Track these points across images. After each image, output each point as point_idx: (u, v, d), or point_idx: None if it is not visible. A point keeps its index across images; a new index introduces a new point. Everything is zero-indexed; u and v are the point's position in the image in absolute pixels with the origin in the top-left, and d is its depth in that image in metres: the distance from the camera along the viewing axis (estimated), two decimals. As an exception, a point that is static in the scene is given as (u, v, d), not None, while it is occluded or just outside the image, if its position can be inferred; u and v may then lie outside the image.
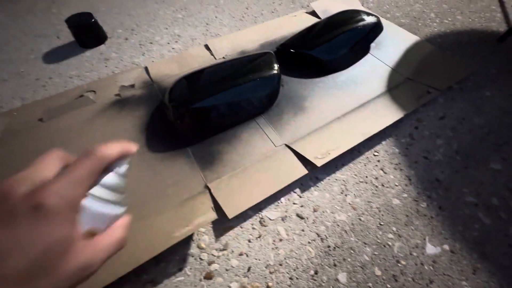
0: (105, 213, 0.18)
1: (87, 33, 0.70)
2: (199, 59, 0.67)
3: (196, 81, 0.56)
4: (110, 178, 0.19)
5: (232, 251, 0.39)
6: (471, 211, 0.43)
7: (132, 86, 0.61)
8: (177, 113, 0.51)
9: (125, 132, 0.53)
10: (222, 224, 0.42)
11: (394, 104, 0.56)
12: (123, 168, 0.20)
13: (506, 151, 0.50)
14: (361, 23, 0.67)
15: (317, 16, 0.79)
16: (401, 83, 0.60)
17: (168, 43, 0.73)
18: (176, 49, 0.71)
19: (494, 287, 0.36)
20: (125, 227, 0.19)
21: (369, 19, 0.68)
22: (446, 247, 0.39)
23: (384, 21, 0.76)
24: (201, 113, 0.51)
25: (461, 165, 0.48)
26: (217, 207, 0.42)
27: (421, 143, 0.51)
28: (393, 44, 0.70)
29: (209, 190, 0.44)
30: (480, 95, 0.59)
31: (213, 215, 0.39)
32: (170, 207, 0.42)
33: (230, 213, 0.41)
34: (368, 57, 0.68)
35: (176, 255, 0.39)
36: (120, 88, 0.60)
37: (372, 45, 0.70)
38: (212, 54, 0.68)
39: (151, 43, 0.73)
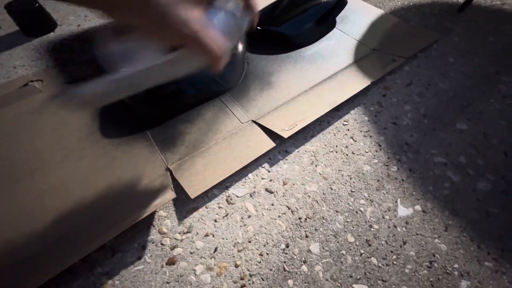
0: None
1: (32, 19, 0.64)
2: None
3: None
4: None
5: (197, 233, 0.36)
6: (440, 170, 0.42)
7: (84, 71, 0.56)
8: (133, 96, 0.47)
9: (77, 119, 0.48)
10: (186, 206, 0.38)
11: (361, 73, 0.55)
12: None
13: (470, 112, 0.50)
14: (325, -2, 0.66)
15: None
16: (368, 54, 0.60)
17: (126, 28, 0.68)
18: (134, 33, 0.66)
19: (465, 241, 0.36)
20: (220, 50, 0.22)
21: (333, -7, 0.67)
22: (418, 207, 0.39)
23: (349, -3, 0.75)
24: (161, 94, 0.48)
25: (429, 128, 0.48)
26: (180, 189, 0.39)
27: (389, 110, 0.50)
28: (359, 18, 0.69)
29: (171, 172, 0.41)
30: (444, 61, 0.59)
31: (171, 195, 0.36)
32: (128, 193, 0.39)
33: (193, 193, 0.38)
34: (334, 31, 0.66)
35: (134, 243, 0.35)
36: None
37: (338, 19, 0.69)
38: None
39: (106, 28, 0.68)
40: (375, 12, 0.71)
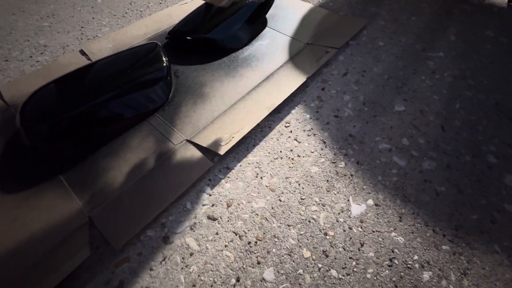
0: None
1: None
2: (72, 67, 0.54)
3: (59, 90, 0.44)
4: None
5: (129, 290, 0.30)
6: (386, 157, 0.41)
7: (-25, 117, 0.46)
8: (34, 135, 0.39)
9: (-36, 178, 0.39)
10: (114, 258, 0.32)
11: (296, 70, 0.53)
12: None
13: (406, 92, 0.50)
14: (250, -2, 0.63)
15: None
16: (302, 49, 0.58)
17: (31, 57, 0.59)
18: (42, 62, 0.58)
19: (420, 228, 0.34)
20: None
21: (258, -8, 0.65)
22: (370, 201, 0.37)
23: (276, -5, 0.74)
24: (70, 128, 0.41)
25: (370, 114, 0.47)
26: (104, 240, 0.32)
27: (330, 103, 0.49)
28: (289, 15, 0.68)
29: (91, 221, 0.34)
30: (375, 46, 0.60)
31: (84, 254, 0.30)
32: (34, 259, 0.31)
33: (118, 243, 0.31)
34: (266, 30, 0.64)
35: (47, 324, 0.28)
36: (-44, 123, 0.45)
37: (269, 18, 0.67)
38: (89, 59, 0.57)
39: (6, 60, 0.58)
40: (304, 7, 0.71)
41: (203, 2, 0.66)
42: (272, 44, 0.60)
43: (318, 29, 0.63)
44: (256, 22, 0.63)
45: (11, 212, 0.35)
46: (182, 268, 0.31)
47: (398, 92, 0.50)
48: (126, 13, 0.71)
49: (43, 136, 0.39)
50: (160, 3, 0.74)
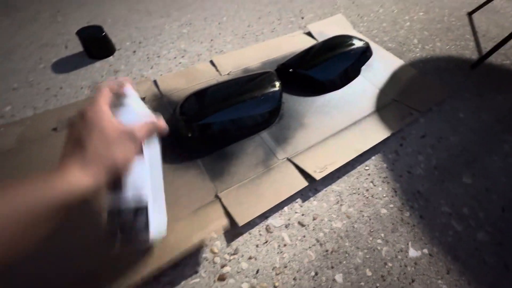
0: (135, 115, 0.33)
1: (97, 45, 0.73)
2: (205, 75, 0.72)
3: (204, 98, 0.60)
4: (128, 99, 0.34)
5: (242, 255, 0.44)
6: (446, 219, 0.50)
7: (143, 98, 0.64)
8: (188, 128, 0.56)
9: (138, 143, 0.56)
10: (232, 230, 0.46)
11: (382, 123, 0.63)
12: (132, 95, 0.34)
13: (476, 167, 0.58)
14: (353, 48, 0.75)
15: (313, 37, 0.85)
16: (388, 104, 0.68)
17: (175, 58, 0.77)
18: (183, 64, 0.76)
19: (463, 284, 0.43)
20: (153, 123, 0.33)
21: (360, 44, 0.76)
22: (426, 251, 0.46)
23: (373, 45, 0.84)
24: (209, 128, 0.56)
25: (439, 179, 0.55)
26: (227, 215, 0.47)
27: (405, 159, 0.58)
28: (381, 67, 0.78)
29: (220, 199, 0.49)
30: (455, 116, 0.67)
31: (225, 221, 0.44)
32: (183, 215, 0.46)
33: (240, 221, 0.46)
34: (359, 78, 0.75)
35: (191, 259, 0.43)
36: (132, 101, 0.63)
37: (363, 67, 0.77)
38: (217, 70, 0.73)
39: (158, 56, 0.77)
40: (396, 62, 0.80)
41: (316, 42, 0.79)
42: (363, 93, 0.71)
43: (405, 88, 0.72)
44: (353, 70, 0.75)
45: (168, 177, 0.51)
46: (277, 253, 0.44)
47: (468, 166, 0.58)
48: (245, 35, 0.87)
49: (193, 130, 0.55)
50: (272, 31, 0.89)
